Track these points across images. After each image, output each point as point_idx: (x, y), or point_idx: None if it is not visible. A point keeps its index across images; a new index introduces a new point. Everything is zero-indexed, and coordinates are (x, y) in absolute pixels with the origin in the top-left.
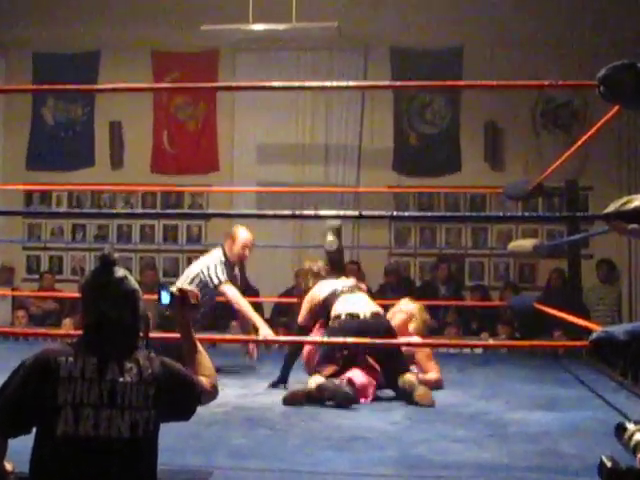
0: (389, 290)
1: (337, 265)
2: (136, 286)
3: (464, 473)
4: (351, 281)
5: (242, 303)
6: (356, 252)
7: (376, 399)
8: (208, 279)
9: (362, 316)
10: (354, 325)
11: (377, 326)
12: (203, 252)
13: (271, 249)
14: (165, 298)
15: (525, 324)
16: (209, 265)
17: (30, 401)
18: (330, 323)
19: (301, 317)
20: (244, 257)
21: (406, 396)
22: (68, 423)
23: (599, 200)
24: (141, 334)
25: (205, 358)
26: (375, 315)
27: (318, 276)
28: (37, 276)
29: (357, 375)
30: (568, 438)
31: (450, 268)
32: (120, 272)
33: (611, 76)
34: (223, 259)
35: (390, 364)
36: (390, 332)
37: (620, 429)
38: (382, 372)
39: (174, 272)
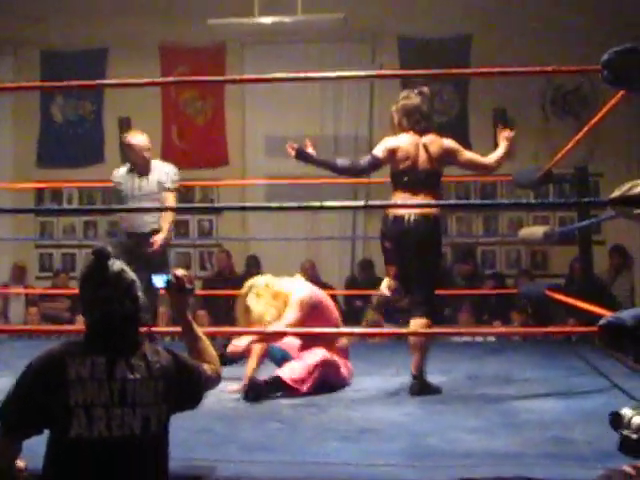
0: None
1: None
2: (134, 277)
3: (475, 462)
4: None
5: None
6: (368, 244)
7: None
8: None
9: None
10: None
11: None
12: (215, 246)
13: (283, 242)
14: (160, 282)
15: (538, 312)
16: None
17: (40, 403)
18: None
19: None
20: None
21: None
22: (81, 425)
23: (610, 186)
24: (144, 327)
25: (206, 344)
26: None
27: None
28: (50, 274)
29: (295, 367)
30: (580, 425)
31: (475, 263)
32: (116, 265)
33: (614, 60)
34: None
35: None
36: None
37: (616, 417)
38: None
39: (187, 267)
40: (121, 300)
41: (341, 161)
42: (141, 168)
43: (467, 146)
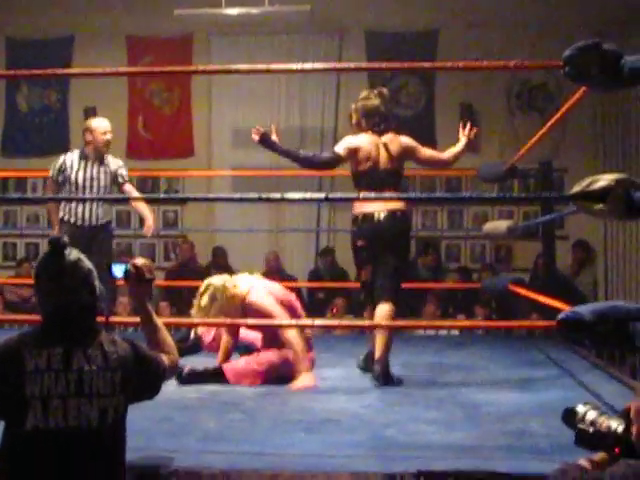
0: None
1: None
2: (90, 266)
3: (433, 454)
4: None
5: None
6: (332, 236)
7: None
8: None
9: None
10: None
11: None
12: (179, 237)
13: (249, 233)
14: (118, 272)
15: (502, 306)
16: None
17: None
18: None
19: None
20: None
21: None
22: (37, 416)
23: (575, 181)
24: (101, 317)
25: (165, 334)
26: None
27: None
28: (13, 263)
29: (241, 362)
30: (539, 418)
31: (438, 255)
32: (73, 255)
33: (576, 56)
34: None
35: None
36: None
37: (570, 414)
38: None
39: (151, 258)
40: (78, 290)
41: (304, 153)
42: (97, 154)
43: (433, 140)
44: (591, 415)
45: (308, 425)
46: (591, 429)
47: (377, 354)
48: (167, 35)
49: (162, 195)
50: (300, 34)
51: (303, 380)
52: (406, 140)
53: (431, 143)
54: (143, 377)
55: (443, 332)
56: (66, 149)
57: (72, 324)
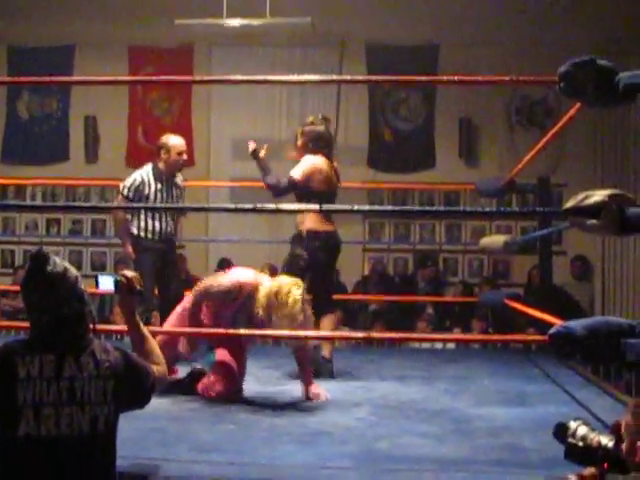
0: (371, 285)
1: None
2: (76, 273)
3: (423, 467)
4: None
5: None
6: None
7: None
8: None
9: None
10: None
11: None
12: (178, 247)
13: (245, 244)
14: (107, 284)
15: (498, 320)
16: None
17: None
18: None
19: None
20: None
21: None
22: (29, 424)
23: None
24: (92, 324)
25: (154, 345)
26: None
27: None
28: (11, 270)
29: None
30: (530, 433)
31: (437, 268)
32: (58, 266)
33: (571, 72)
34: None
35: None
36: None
37: (562, 429)
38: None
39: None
40: (68, 299)
41: (270, 178)
42: (170, 172)
43: (432, 154)
44: (582, 430)
45: (300, 437)
46: (581, 444)
47: (327, 354)
48: (168, 45)
49: (158, 205)
50: (301, 46)
51: (317, 388)
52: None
53: (430, 157)
54: (134, 386)
55: (439, 345)
56: (66, 157)
57: (63, 332)
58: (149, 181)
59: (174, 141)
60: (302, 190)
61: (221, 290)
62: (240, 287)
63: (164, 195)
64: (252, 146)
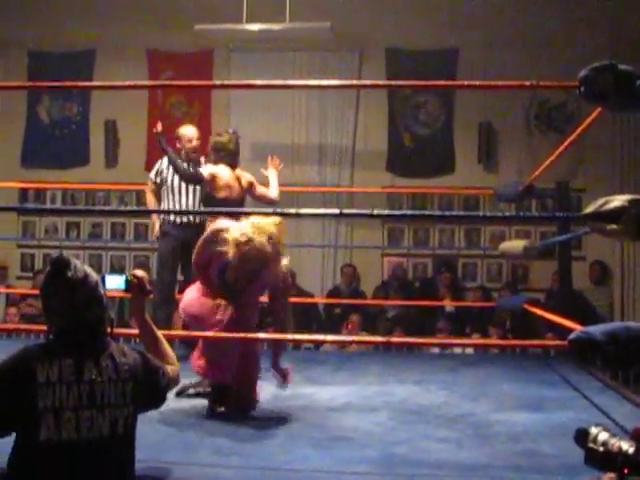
0: (391, 290)
1: None
2: (97, 277)
3: (442, 472)
4: None
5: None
6: (349, 252)
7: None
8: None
9: None
10: None
11: None
12: None
13: None
14: (115, 283)
15: (517, 325)
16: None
17: (7, 407)
18: None
19: None
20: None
21: None
22: (50, 429)
23: (593, 201)
24: (110, 327)
25: (166, 346)
26: None
27: None
28: (31, 274)
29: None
30: (549, 438)
31: (455, 274)
32: (79, 271)
33: (591, 77)
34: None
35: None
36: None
37: (583, 435)
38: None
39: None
40: (89, 305)
41: (181, 163)
42: (187, 159)
43: (451, 158)
44: (603, 436)
45: (319, 441)
46: (602, 449)
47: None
48: (188, 50)
49: (161, 209)
50: (320, 51)
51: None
52: (249, 176)
53: (449, 162)
54: (151, 387)
55: (458, 350)
56: (86, 161)
57: (83, 336)
58: (168, 166)
59: (183, 131)
60: (206, 194)
61: (204, 240)
62: (217, 232)
63: (179, 181)
64: (159, 128)
